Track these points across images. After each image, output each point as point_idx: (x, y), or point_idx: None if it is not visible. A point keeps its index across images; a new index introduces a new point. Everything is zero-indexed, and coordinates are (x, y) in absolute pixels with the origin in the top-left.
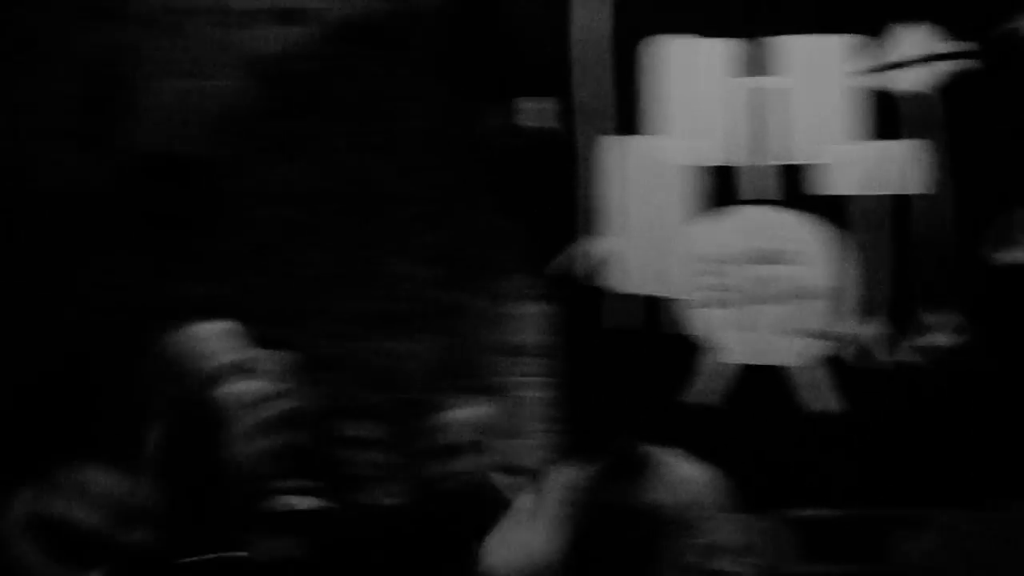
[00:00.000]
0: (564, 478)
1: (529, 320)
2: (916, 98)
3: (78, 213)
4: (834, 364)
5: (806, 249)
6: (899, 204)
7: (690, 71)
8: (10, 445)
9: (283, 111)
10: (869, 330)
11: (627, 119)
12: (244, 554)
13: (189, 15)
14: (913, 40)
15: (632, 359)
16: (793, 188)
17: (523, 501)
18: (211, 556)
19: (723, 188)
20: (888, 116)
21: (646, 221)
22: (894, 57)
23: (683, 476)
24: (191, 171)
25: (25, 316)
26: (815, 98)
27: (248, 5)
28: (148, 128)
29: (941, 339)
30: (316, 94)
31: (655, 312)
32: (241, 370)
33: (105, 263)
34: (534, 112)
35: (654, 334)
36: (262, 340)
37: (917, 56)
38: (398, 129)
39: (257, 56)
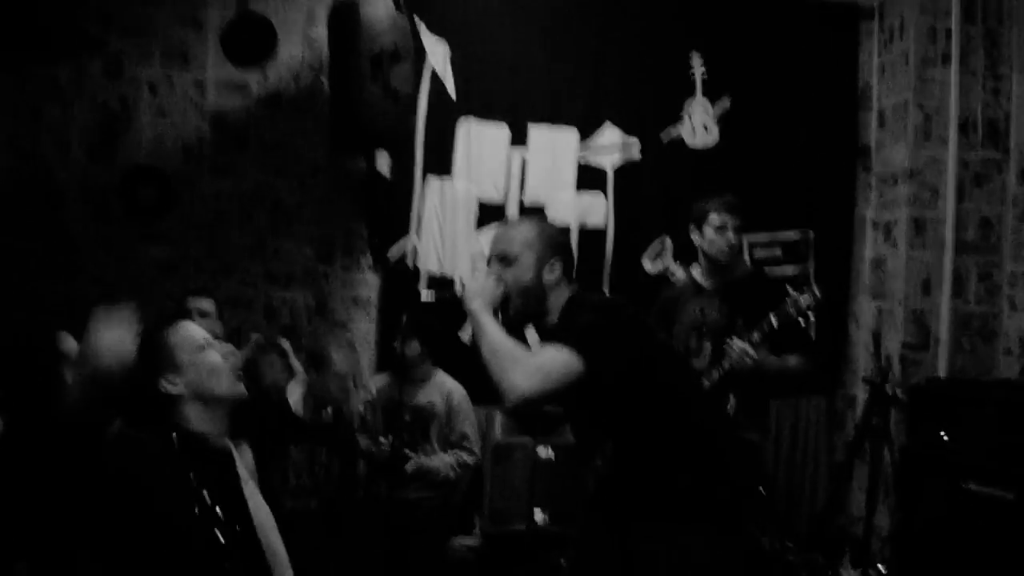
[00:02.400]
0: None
1: (370, 284)
2: (602, 171)
3: (87, 202)
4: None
5: None
6: (586, 232)
7: (481, 141)
8: None
9: (224, 145)
10: None
11: (443, 167)
12: None
13: (170, 80)
14: (605, 135)
15: (431, 311)
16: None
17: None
18: None
19: (493, 212)
20: (588, 179)
21: (448, 230)
22: (593, 144)
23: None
24: (163, 179)
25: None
26: (549, 164)
27: (208, 77)
28: (138, 149)
29: None
30: (246, 136)
31: (447, 284)
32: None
33: (102, 232)
34: (385, 160)
35: (448, 297)
36: (203, 288)
37: (607, 145)
38: (298, 162)
39: (212, 110)
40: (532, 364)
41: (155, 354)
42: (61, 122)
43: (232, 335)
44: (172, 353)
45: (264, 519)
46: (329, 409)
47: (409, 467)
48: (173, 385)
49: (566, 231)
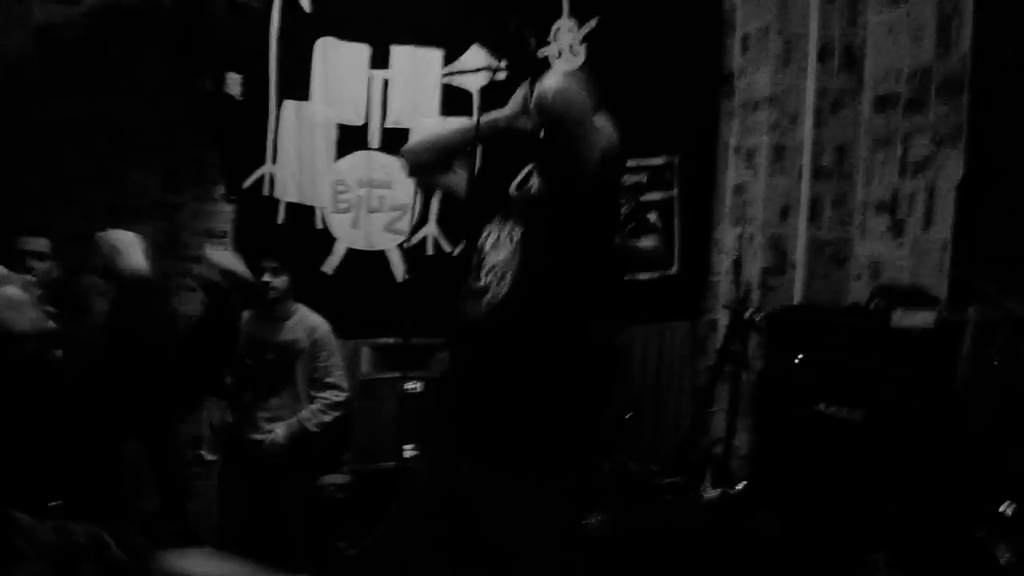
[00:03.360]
0: None
1: (224, 215)
2: (469, 93)
3: None
4: (407, 251)
5: (398, 180)
6: None
7: (340, 62)
8: None
9: (59, 64)
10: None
11: (300, 90)
12: None
13: None
14: (471, 56)
15: (291, 243)
16: (394, 141)
17: None
18: None
19: (353, 138)
20: (454, 101)
21: (306, 157)
22: (459, 66)
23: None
24: None
25: None
26: (412, 86)
27: None
28: None
29: None
30: (84, 55)
31: (308, 214)
32: None
33: None
34: (236, 81)
35: (306, 228)
36: (35, 227)
37: (473, 67)
38: (141, 83)
39: (38, 24)
40: None
41: None
42: None
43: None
44: None
45: None
46: None
47: (267, 443)
48: None
49: None
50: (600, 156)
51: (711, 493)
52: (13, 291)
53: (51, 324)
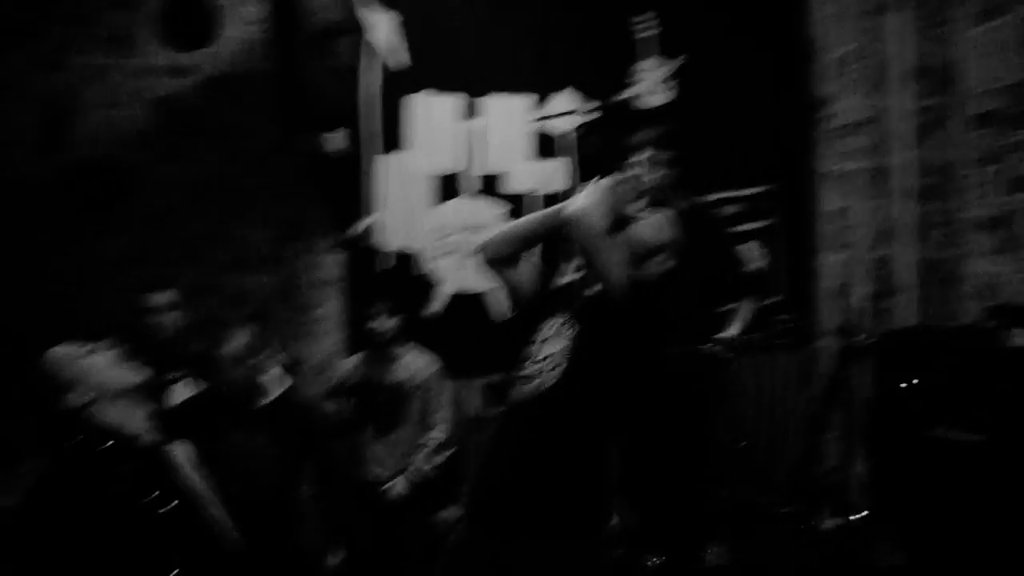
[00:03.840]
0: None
1: (334, 265)
2: (563, 135)
3: (36, 197)
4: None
5: (495, 223)
6: (549, 197)
7: (432, 114)
8: None
9: (174, 132)
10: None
11: (398, 142)
12: None
13: (113, 68)
14: (562, 101)
15: (394, 288)
16: (489, 186)
17: None
18: None
19: (451, 185)
20: (547, 146)
21: (407, 205)
22: (551, 111)
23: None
24: (113, 170)
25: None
26: (505, 133)
27: (152, 63)
28: (85, 141)
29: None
30: (196, 122)
31: (407, 260)
32: None
33: (55, 230)
34: (339, 137)
35: (410, 273)
36: (160, 280)
37: (564, 110)
38: (250, 144)
39: (157, 97)
40: None
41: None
42: (4, 117)
43: (201, 325)
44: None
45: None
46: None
47: (393, 496)
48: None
49: None
50: (621, 276)
51: (829, 523)
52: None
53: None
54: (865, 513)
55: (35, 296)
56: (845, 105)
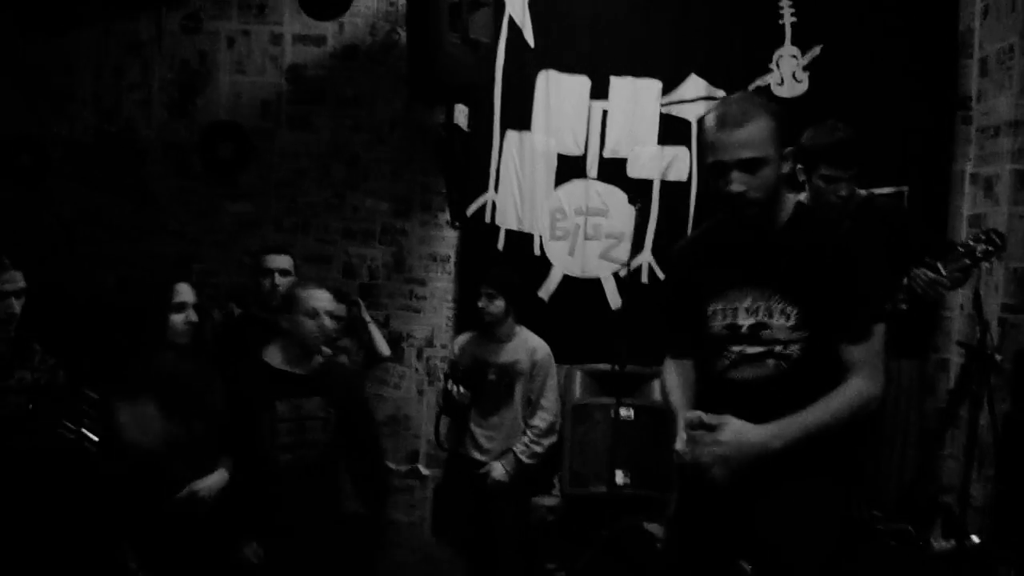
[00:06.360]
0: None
1: (448, 241)
2: (687, 122)
3: (168, 159)
4: (623, 279)
5: (614, 208)
6: (668, 186)
7: (561, 93)
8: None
9: (301, 100)
10: (643, 259)
11: (522, 121)
12: None
13: (248, 35)
14: (690, 86)
15: (507, 268)
16: (611, 170)
17: None
18: None
19: (572, 167)
20: (672, 131)
21: (527, 185)
22: (677, 96)
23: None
24: (242, 135)
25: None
26: (631, 116)
27: (284, 30)
28: (217, 105)
29: None
30: (323, 90)
31: (527, 241)
32: None
33: (183, 189)
34: (463, 113)
35: (525, 255)
36: (280, 246)
37: (692, 97)
38: (375, 116)
39: (288, 64)
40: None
41: None
42: (142, 79)
43: None
44: None
45: None
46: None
47: (490, 482)
48: None
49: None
50: None
51: (943, 544)
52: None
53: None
54: (976, 538)
55: (162, 254)
56: (992, 104)
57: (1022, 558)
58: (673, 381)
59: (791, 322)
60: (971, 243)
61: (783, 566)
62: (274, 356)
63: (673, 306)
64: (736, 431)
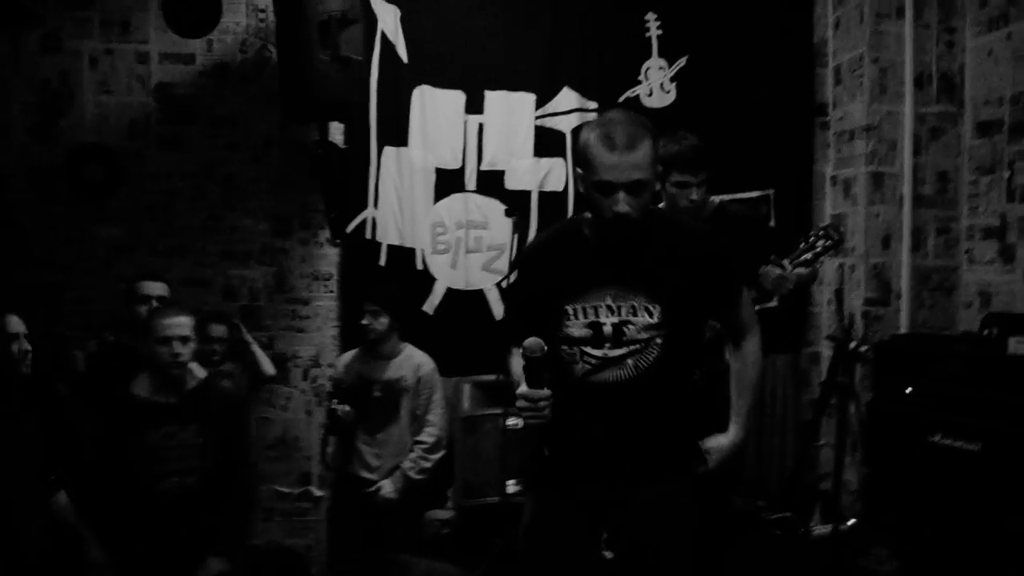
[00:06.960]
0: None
1: (329, 259)
2: (561, 134)
3: (32, 184)
4: (505, 290)
5: (494, 220)
6: (545, 196)
7: (436, 109)
8: None
9: (171, 119)
10: None
11: (398, 137)
12: None
13: (111, 53)
14: (563, 99)
15: (389, 284)
16: (489, 183)
17: None
18: None
19: (451, 181)
20: (547, 143)
21: (406, 200)
22: (551, 109)
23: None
24: (110, 156)
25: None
26: (506, 130)
27: (151, 48)
28: (82, 127)
29: None
30: (194, 109)
31: (408, 256)
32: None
33: (50, 214)
34: (338, 130)
35: (407, 269)
36: (155, 272)
37: (565, 109)
38: (249, 135)
39: (155, 83)
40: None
41: None
42: (1, 103)
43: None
44: None
45: None
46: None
47: (379, 500)
48: None
49: None
50: None
51: (821, 529)
52: None
53: None
54: (854, 521)
55: (31, 283)
56: (847, 110)
57: (893, 536)
58: (518, 364)
59: (654, 319)
60: (812, 239)
61: (645, 555)
62: (142, 386)
63: (523, 306)
64: (719, 449)
